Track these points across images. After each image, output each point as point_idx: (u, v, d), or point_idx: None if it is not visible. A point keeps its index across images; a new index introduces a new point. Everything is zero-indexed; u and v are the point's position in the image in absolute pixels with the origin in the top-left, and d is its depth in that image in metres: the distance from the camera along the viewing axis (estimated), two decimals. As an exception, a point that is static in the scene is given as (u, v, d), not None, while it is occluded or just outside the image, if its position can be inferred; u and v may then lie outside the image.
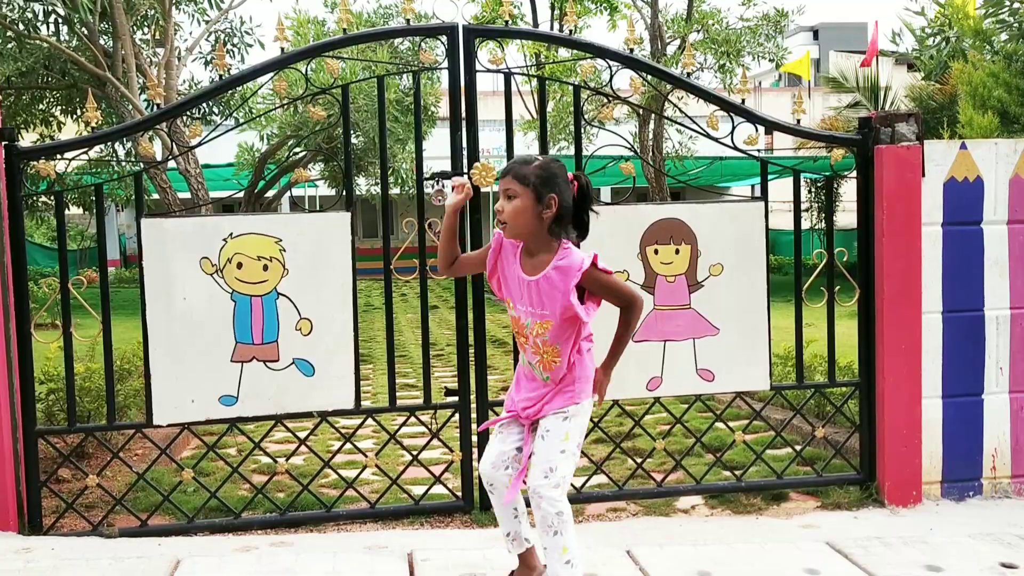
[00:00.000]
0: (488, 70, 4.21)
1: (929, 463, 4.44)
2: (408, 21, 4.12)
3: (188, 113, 9.28)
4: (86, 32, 10.65)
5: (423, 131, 4.28)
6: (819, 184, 18.30)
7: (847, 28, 42.51)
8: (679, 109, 4.79)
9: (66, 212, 4.13)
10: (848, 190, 4.76)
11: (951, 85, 15.74)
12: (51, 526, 4.06)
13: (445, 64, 4.15)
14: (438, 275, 3.55)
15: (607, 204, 4.48)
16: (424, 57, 4.20)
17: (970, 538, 3.95)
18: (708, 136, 4.35)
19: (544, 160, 3.06)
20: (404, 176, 13.58)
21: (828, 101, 19.71)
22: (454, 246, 3.23)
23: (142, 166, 4.55)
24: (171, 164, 11.92)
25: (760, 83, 32.90)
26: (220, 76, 4.08)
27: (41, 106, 12.12)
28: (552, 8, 15.68)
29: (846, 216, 5.32)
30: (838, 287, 4.53)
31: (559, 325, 3.01)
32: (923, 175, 4.34)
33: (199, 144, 4.12)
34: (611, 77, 4.27)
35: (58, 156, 4.09)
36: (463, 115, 4.14)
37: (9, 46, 10.98)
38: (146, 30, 11.87)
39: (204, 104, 12.78)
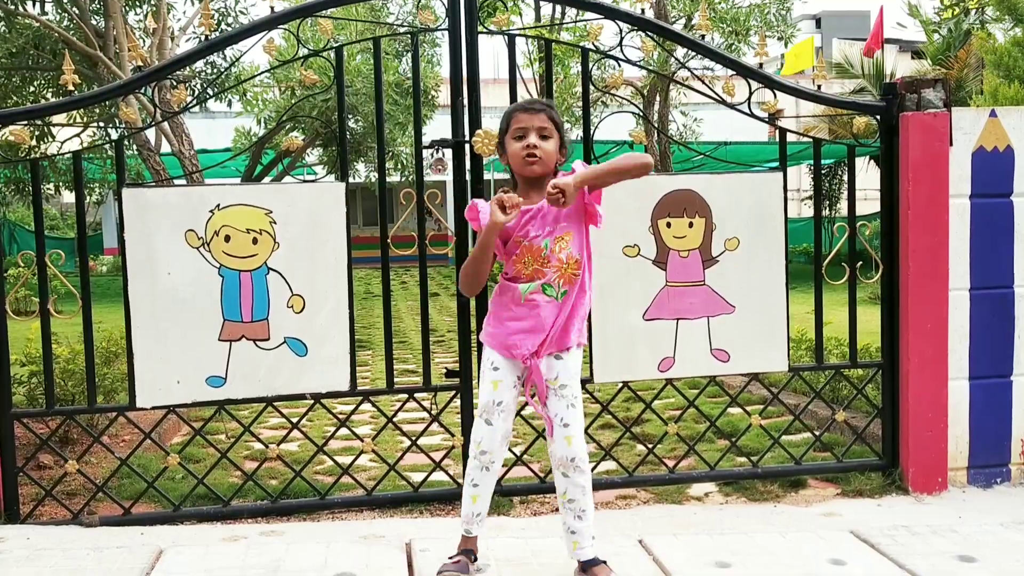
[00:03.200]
0: (491, 31, 3.98)
1: (955, 448, 4.22)
2: (405, -21, 3.88)
3: (174, 78, 8.88)
4: (77, 11, 10.38)
5: (423, 115, 4.04)
6: (824, 172, 18.07)
7: (849, 16, 42.41)
8: (691, 73, 4.55)
9: (61, 200, 3.92)
10: (859, 179, 4.52)
11: (956, 69, 15.54)
12: (28, 515, 3.83)
13: (445, 24, 3.91)
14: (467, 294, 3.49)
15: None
16: (423, 17, 3.95)
17: (1002, 527, 3.74)
18: (723, 103, 4.11)
19: None
20: (404, 162, 13.32)
21: (831, 87, 19.48)
22: (487, 268, 3.09)
23: (124, 131, 4.29)
24: (165, 147, 11.68)
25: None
26: (206, 37, 3.83)
27: (31, 88, 11.82)
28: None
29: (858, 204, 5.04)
30: (859, 263, 4.30)
31: (579, 233, 3.03)
32: (951, 144, 4.11)
33: (185, 109, 3.89)
34: (621, 40, 4.03)
35: (37, 121, 3.85)
36: (464, 76, 3.89)
37: (-2, 26, 10.71)
38: (138, 10, 11.59)
39: (199, 86, 12.51)
